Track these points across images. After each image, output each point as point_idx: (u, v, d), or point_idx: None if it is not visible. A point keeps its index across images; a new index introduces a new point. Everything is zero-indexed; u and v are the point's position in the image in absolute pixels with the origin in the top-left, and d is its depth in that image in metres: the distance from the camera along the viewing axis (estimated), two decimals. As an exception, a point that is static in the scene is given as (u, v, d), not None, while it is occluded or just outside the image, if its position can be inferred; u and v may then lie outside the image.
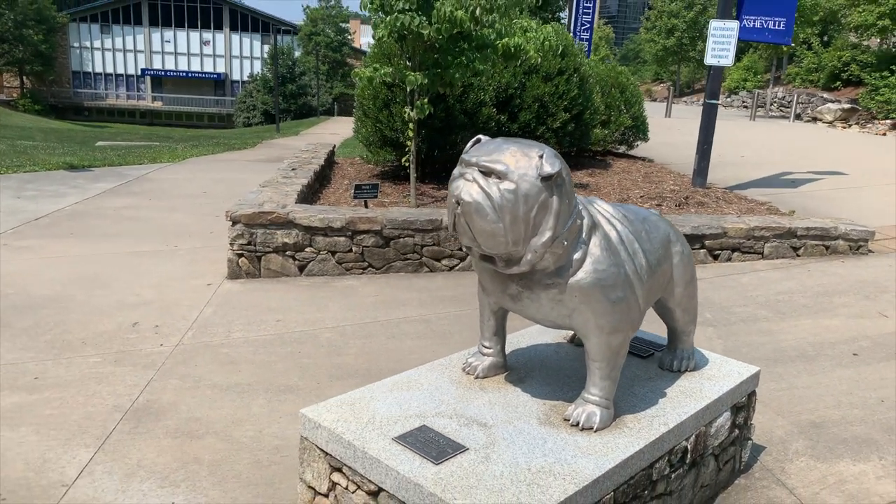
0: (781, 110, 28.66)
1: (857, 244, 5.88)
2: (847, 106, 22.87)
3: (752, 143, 14.68)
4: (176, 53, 58.55)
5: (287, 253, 5.39)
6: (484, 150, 2.07)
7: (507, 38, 6.36)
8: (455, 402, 2.36)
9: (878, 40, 29.29)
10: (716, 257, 5.79)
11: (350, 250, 5.46)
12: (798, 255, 5.85)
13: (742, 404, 2.73)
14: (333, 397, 2.40)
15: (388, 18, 6.07)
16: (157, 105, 57.87)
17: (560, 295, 2.13)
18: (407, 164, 6.81)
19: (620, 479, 2.07)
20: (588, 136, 9.09)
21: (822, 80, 29.72)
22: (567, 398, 2.41)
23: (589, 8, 15.66)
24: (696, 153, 8.06)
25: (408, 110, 6.59)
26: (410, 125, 6.59)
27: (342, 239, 5.42)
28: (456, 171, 2.10)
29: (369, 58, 7.96)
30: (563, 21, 16.72)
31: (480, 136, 2.27)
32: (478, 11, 5.96)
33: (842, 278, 5.32)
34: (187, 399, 3.37)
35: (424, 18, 6.01)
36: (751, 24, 7.61)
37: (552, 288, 2.13)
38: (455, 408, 2.32)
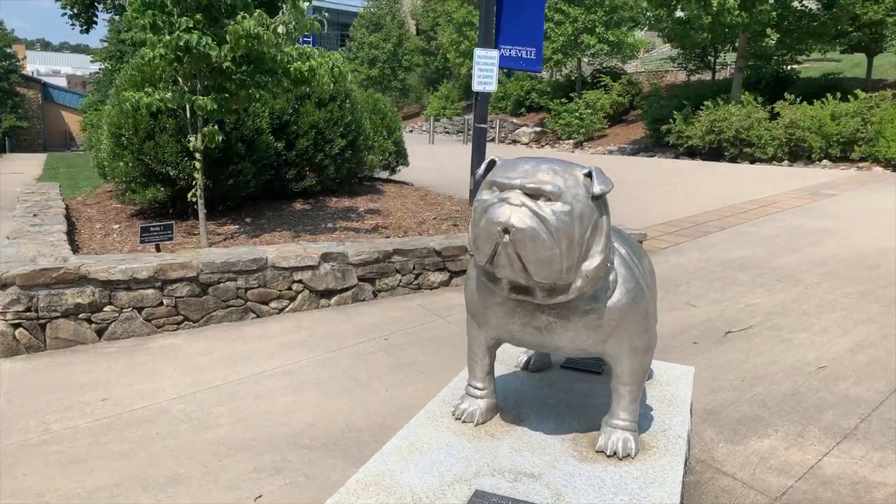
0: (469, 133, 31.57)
1: (636, 245, 6.69)
2: (538, 129, 26.19)
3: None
4: None
5: (81, 316, 4.39)
6: (520, 171, 1.87)
7: (299, 62, 6.02)
8: (481, 457, 2.09)
9: (548, 73, 34.14)
10: (529, 269, 6.12)
11: (161, 303, 4.64)
12: (593, 260, 6.45)
13: (688, 403, 2.88)
14: (346, 484, 1.97)
15: (166, 38, 5.34)
16: None
17: (598, 320, 2.00)
18: (194, 200, 6.04)
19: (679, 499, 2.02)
20: (364, 162, 9.02)
21: (510, 107, 33.56)
22: (577, 429, 2.28)
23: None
24: (471, 174, 8.47)
25: (192, 139, 5.86)
26: (197, 155, 5.86)
27: (150, 291, 4.59)
28: (490, 197, 1.87)
29: (124, 82, 6.92)
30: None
31: (494, 157, 2.07)
32: (280, 29, 5.55)
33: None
34: (49, 525, 2.52)
35: (212, 39, 5.42)
36: (508, 53, 8.26)
37: (591, 314, 1.99)
38: (487, 463, 2.06)
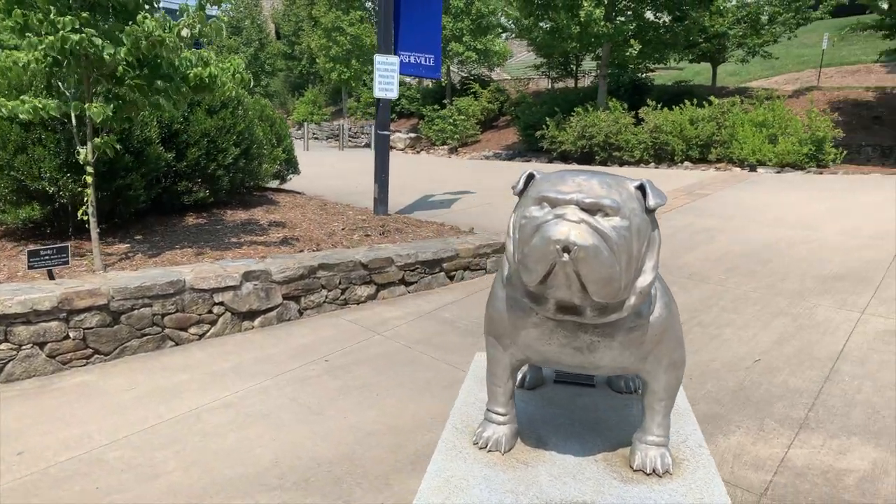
0: (354, 140, 31.25)
1: (549, 250, 6.83)
2: (413, 135, 26.29)
3: (369, 171, 15.74)
4: None
5: (-30, 357, 3.80)
6: (573, 185, 1.79)
7: (199, 68, 5.60)
8: (527, 489, 1.98)
9: (417, 80, 34.40)
10: (451, 278, 6.06)
11: (66, 337, 4.12)
12: (511, 266, 6.50)
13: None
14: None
15: (49, 39, 4.76)
16: None
17: (642, 336, 1.96)
18: (85, 218, 5.44)
19: (723, 510, 2.02)
20: (258, 172, 8.57)
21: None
22: (602, 447, 2.23)
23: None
24: (374, 182, 8.30)
25: (82, 151, 5.27)
26: (88, 169, 5.28)
27: (54, 324, 4.06)
28: (541, 213, 1.78)
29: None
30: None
31: (532, 171, 1.97)
32: (185, 32, 5.12)
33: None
34: None
35: (106, 40, 4.91)
36: (407, 60, 8.17)
37: (635, 330, 1.95)
38: (535, 495, 1.95)
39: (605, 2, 16.11)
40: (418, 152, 25.35)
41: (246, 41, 43.15)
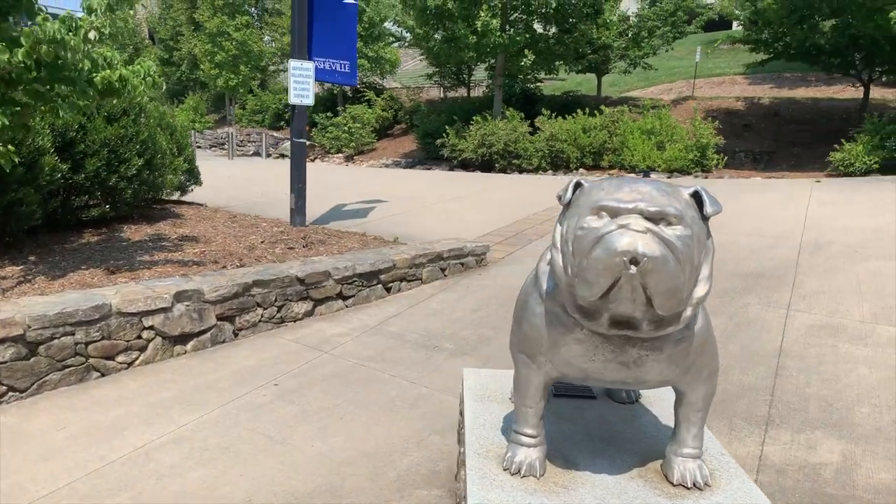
0: (241, 149, 30.15)
1: (480, 258, 6.80)
2: (306, 142, 25.67)
3: (268, 180, 15.19)
4: None
5: None
6: (632, 193, 1.72)
7: (109, 71, 5.14)
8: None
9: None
10: (389, 290, 5.89)
11: (-25, 375, 3.61)
12: (445, 275, 6.41)
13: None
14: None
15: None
16: None
17: (688, 348, 1.92)
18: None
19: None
20: (162, 183, 7.99)
21: (268, 120, 32.48)
22: (631, 463, 2.17)
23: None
24: (291, 192, 7.95)
25: (-27, 163, 4.68)
26: (-17, 183, 4.70)
27: (-39, 360, 3.55)
28: (600, 224, 1.70)
29: None
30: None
31: (579, 179, 1.88)
32: (92, 35, 4.66)
33: (498, 288, 6.08)
34: None
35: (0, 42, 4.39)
36: (323, 66, 7.89)
37: (683, 342, 1.90)
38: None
39: (499, 13, 16.44)
40: (312, 160, 24.76)
41: (119, 46, 40.54)
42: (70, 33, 4.52)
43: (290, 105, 7.86)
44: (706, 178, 14.75)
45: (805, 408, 3.64)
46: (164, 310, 4.39)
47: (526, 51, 17.30)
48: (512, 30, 17.04)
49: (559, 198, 1.88)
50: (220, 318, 4.73)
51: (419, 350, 4.62)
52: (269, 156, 26.30)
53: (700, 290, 1.78)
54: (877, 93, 19.59)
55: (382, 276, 5.79)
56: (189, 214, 8.58)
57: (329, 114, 25.51)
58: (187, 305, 4.52)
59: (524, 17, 17.94)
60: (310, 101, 7.82)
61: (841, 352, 4.38)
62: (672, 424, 2.47)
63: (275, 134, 30.10)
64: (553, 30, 18.71)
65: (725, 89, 25.66)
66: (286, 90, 34.17)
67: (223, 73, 26.61)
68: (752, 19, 19.07)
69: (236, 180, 14.26)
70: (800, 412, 3.59)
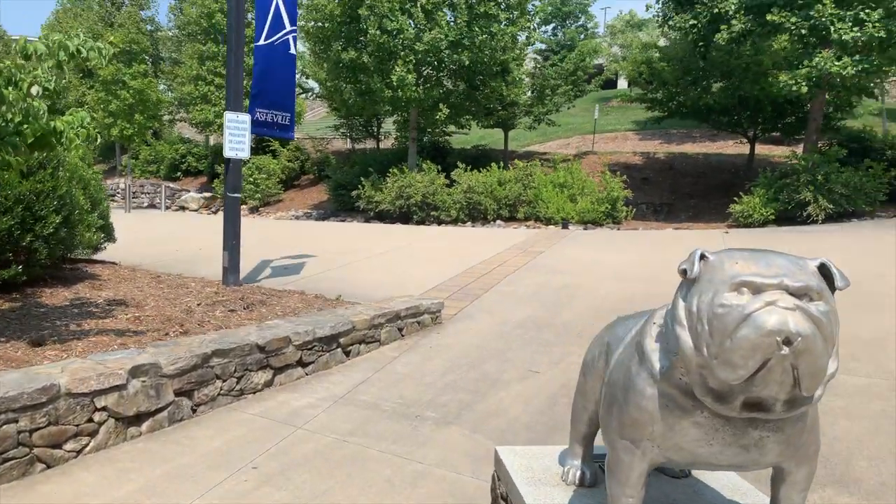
0: (135, 200, 28.60)
1: (435, 315, 6.60)
2: (208, 194, 24.71)
3: (177, 235, 14.38)
4: None
5: None
6: (772, 267, 1.64)
7: (44, 121, 4.67)
8: None
9: (206, 137, 32.81)
10: (348, 354, 5.57)
11: None
12: (403, 335, 6.16)
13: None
14: None
15: None
16: None
17: (804, 426, 1.84)
18: None
19: None
20: (80, 241, 7.32)
21: (164, 170, 31.13)
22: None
23: None
24: (224, 250, 7.48)
25: None
26: None
27: None
28: (743, 300, 1.60)
29: None
30: None
31: (700, 249, 1.78)
32: (34, 90, 4.23)
33: (462, 347, 5.89)
34: None
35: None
36: (262, 118, 7.57)
37: (800, 420, 1.82)
38: None
39: (412, 68, 16.64)
40: (215, 212, 23.86)
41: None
42: (10, 87, 4.08)
43: (225, 159, 7.47)
44: (619, 229, 15.33)
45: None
46: (118, 387, 3.91)
47: (441, 105, 17.55)
48: (427, 84, 17.29)
49: (684, 272, 1.77)
50: (177, 393, 4.27)
51: (400, 421, 4.35)
52: (167, 208, 25.08)
53: (832, 367, 1.71)
54: (760, 148, 21.27)
55: (342, 340, 5.48)
56: (106, 275, 7.90)
57: (233, 165, 24.75)
58: (143, 381, 4.06)
59: (434, 73, 18.27)
60: (245, 154, 7.48)
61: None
62: (735, 499, 2.39)
63: (171, 185, 28.87)
64: (462, 86, 19.16)
65: (619, 144, 27.12)
66: (184, 140, 33.14)
67: (118, 123, 25.31)
68: (647, 80, 20.36)
69: (145, 235, 13.40)
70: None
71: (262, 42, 7.44)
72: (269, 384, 4.92)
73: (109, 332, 5.30)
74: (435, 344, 6.00)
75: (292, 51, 7.74)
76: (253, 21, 7.81)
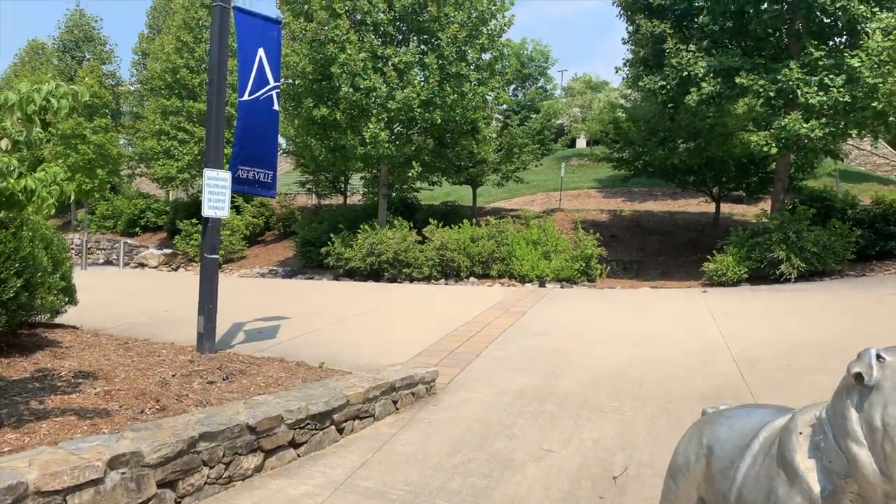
0: (90, 257, 27.61)
1: (430, 385, 6.20)
2: (169, 251, 23.94)
3: (140, 295, 13.71)
4: None
5: None
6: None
7: (12, 180, 4.27)
8: None
9: (167, 193, 32.14)
10: (341, 431, 5.13)
11: None
12: (397, 408, 5.74)
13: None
14: None
15: None
16: None
17: None
18: None
19: None
20: (41, 306, 6.76)
21: (121, 226, 30.24)
22: None
23: None
24: (199, 314, 7.00)
25: None
26: None
27: None
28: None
29: None
30: None
31: (874, 349, 1.51)
32: (3, 144, 3.86)
33: (465, 423, 5.50)
34: None
35: None
36: (243, 175, 7.22)
37: None
38: None
39: (384, 126, 16.54)
40: (175, 269, 23.10)
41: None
42: (-20, 139, 3.70)
43: (203, 218, 7.08)
44: (594, 287, 15.20)
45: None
46: (94, 482, 3.42)
47: (413, 161, 17.44)
48: (398, 141, 17.20)
49: (859, 376, 1.49)
50: (160, 484, 3.79)
51: (412, 510, 3.93)
52: (125, 265, 24.21)
53: None
54: (723, 207, 21.66)
55: (336, 416, 5.04)
56: (67, 341, 7.32)
57: (194, 220, 24.13)
58: (123, 473, 3.58)
59: (405, 130, 18.22)
60: (225, 214, 7.11)
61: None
62: None
63: (129, 241, 27.98)
64: (431, 143, 19.15)
65: (583, 201, 27.39)
66: (143, 195, 32.35)
67: (77, 177, 24.53)
68: (614, 139, 20.68)
69: (105, 295, 12.71)
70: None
71: (245, 97, 7.15)
72: (259, 469, 4.44)
73: (77, 410, 4.78)
74: (434, 418, 5.59)
75: (275, 107, 7.47)
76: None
